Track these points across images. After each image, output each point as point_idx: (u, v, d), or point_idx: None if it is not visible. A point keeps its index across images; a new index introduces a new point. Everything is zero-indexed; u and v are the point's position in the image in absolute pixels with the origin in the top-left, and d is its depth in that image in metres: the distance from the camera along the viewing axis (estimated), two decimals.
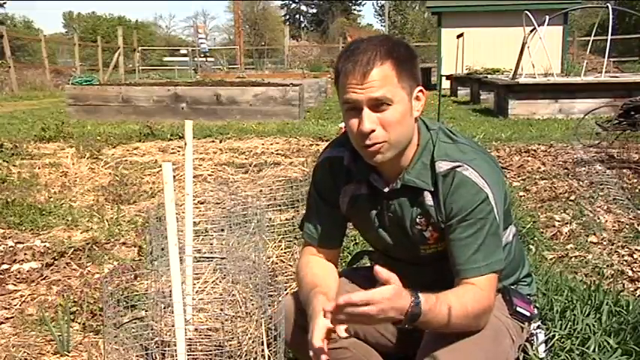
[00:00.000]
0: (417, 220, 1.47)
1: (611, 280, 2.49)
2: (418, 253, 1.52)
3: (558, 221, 3.35)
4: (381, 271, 1.20)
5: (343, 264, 2.36)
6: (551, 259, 2.73)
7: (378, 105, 1.35)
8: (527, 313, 1.57)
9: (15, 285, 2.61)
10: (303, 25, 59.37)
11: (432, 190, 1.44)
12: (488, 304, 1.39)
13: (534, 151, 5.71)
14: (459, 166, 1.40)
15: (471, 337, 1.38)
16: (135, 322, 1.92)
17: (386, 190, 1.49)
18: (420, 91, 1.42)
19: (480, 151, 1.47)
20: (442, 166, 1.42)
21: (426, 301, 1.25)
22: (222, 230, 2.65)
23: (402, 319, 1.23)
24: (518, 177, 4.60)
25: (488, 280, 1.38)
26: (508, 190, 1.73)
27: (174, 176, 1.61)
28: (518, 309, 1.55)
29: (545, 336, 1.69)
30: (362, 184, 1.53)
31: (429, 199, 1.45)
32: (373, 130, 1.35)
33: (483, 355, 1.36)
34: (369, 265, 1.94)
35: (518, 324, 1.56)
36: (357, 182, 1.54)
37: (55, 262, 2.86)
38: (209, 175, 4.79)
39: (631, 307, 1.90)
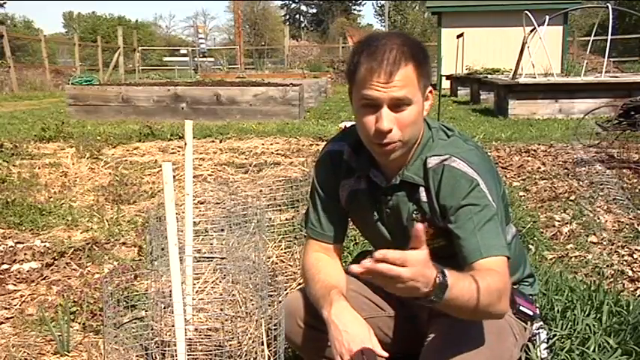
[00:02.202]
0: (414, 215, 1.49)
1: (611, 280, 2.49)
2: None
3: (558, 221, 3.35)
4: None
5: (343, 264, 2.35)
6: (551, 259, 2.73)
7: (397, 105, 1.36)
8: (530, 313, 1.58)
9: (15, 285, 2.61)
10: (303, 25, 59.41)
11: (425, 185, 1.46)
12: (504, 282, 1.31)
13: (534, 151, 5.71)
14: (447, 159, 1.42)
15: (475, 334, 1.38)
16: (135, 322, 1.92)
17: (384, 185, 1.50)
18: (430, 91, 1.45)
19: (473, 145, 1.49)
20: (431, 161, 1.44)
21: (450, 273, 1.19)
22: (222, 230, 2.65)
23: (429, 291, 1.15)
24: (518, 177, 4.60)
25: (495, 262, 1.33)
26: (506, 189, 1.73)
27: (174, 176, 1.61)
28: (522, 308, 1.56)
29: (547, 336, 1.70)
30: (361, 180, 1.55)
31: (423, 194, 1.47)
32: (390, 130, 1.37)
33: (488, 352, 1.36)
34: None
35: (521, 323, 1.56)
36: (356, 177, 1.55)
37: (55, 262, 2.86)
38: (209, 175, 4.79)
39: (631, 307, 1.90)
